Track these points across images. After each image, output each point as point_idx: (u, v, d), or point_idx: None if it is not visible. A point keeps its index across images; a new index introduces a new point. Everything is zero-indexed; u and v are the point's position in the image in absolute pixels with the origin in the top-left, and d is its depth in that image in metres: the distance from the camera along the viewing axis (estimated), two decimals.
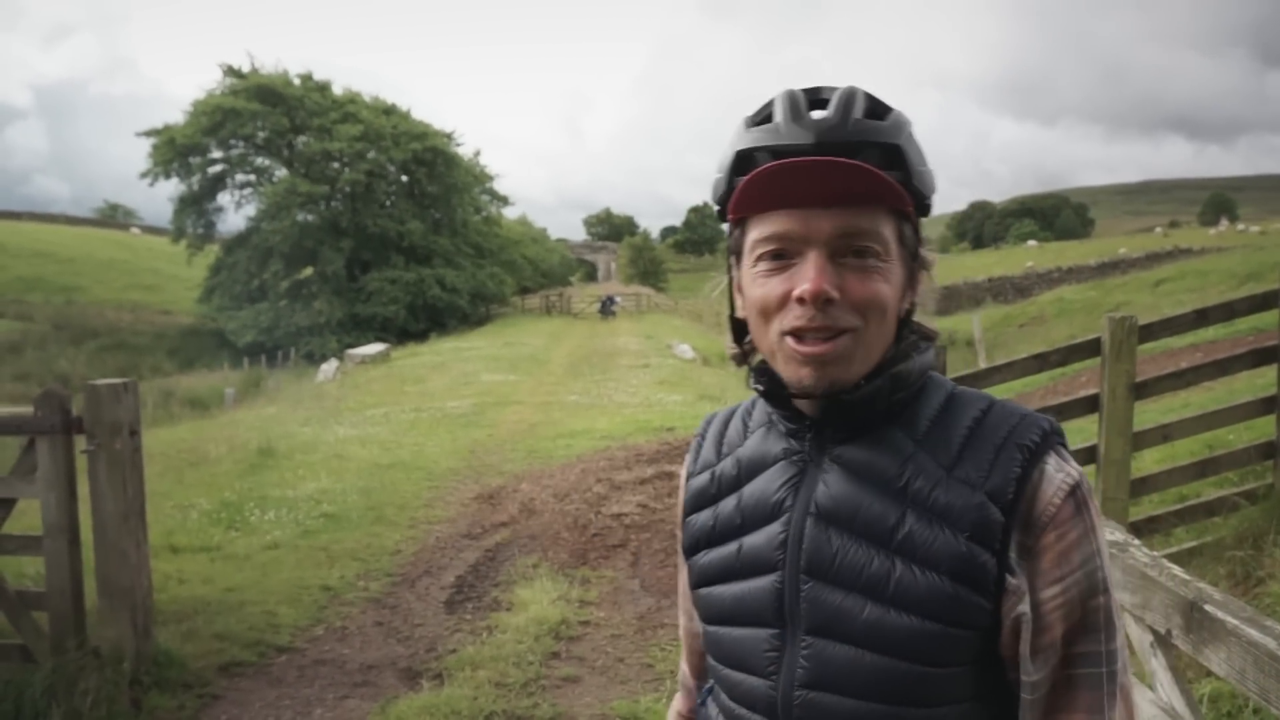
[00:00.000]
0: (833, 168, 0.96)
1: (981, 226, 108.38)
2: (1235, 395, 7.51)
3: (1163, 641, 2.07)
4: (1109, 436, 4.62)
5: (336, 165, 47.81)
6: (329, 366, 28.66)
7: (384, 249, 48.06)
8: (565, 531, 7.31)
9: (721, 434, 1.22)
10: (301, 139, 48.17)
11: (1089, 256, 39.57)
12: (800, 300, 0.98)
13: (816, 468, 1.07)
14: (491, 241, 53.87)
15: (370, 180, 47.63)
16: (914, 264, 1.06)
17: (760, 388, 1.08)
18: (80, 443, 4.43)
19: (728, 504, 1.14)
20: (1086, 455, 4.82)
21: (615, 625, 5.42)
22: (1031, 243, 61.62)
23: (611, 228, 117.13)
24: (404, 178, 50.30)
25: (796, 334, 1.00)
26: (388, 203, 49.64)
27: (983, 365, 16.43)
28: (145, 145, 45.67)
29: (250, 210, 48.40)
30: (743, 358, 1.13)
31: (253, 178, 49.73)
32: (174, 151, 45.44)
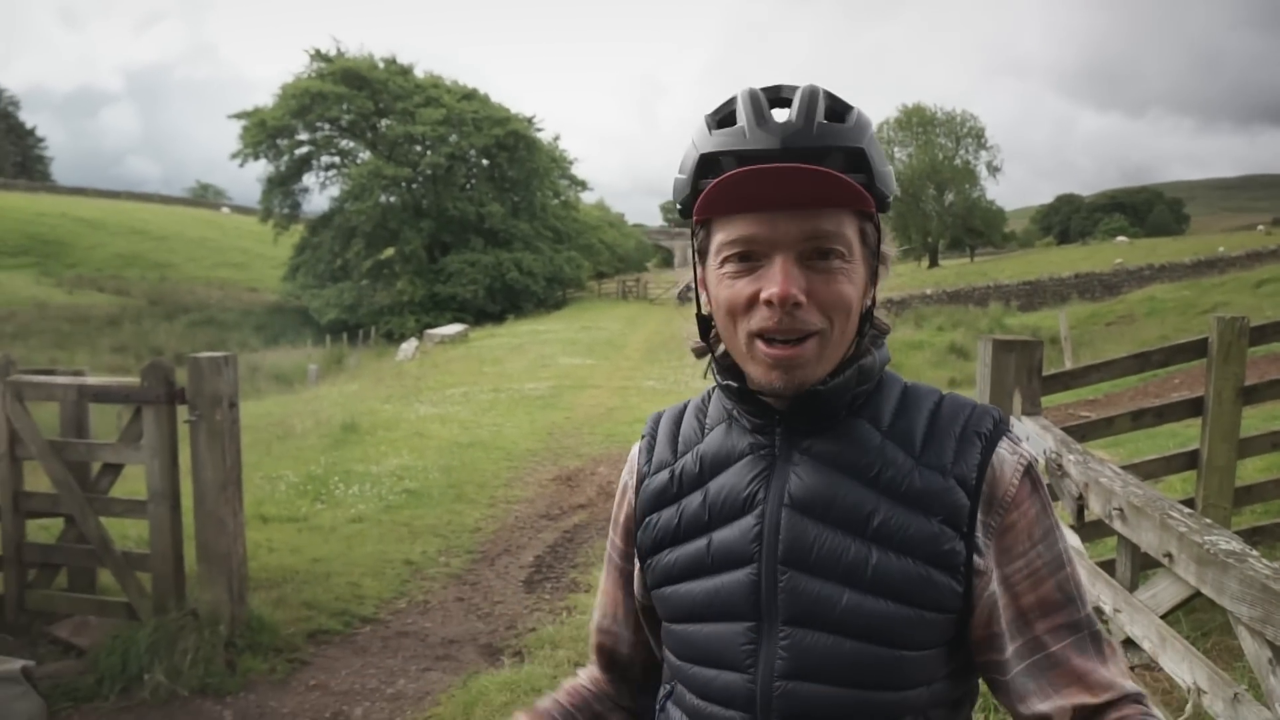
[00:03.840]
0: (799, 174, 0.97)
1: (1068, 221, 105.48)
2: None
3: None
4: (1213, 442, 4.46)
5: (419, 148, 48.50)
6: (408, 345, 29.11)
7: (463, 231, 48.65)
8: None
9: (674, 432, 1.21)
10: (385, 122, 48.95)
11: (1184, 254, 38.16)
12: (768, 303, 0.99)
13: (786, 461, 1.08)
14: (569, 226, 54.16)
15: (451, 163, 48.22)
16: (875, 262, 1.08)
17: (731, 385, 1.09)
18: (183, 413, 4.58)
19: (692, 500, 1.13)
20: (1187, 460, 4.66)
21: None
22: (1121, 239, 59.79)
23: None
24: (484, 162, 50.80)
25: (764, 336, 1.01)
26: (468, 186, 50.19)
27: (1068, 363, 16.02)
28: (230, 127, 46.94)
29: (334, 191, 49.44)
30: (704, 351, 1.14)
31: (337, 159, 50.74)
32: (264, 133, 46.59)
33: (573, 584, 5.93)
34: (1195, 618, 4.04)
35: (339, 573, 5.94)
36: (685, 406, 1.24)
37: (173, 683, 4.24)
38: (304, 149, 49.44)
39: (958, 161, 68.26)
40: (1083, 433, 4.33)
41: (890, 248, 1.11)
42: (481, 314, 44.33)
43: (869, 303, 1.08)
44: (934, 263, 66.92)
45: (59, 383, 4.92)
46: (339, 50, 49.56)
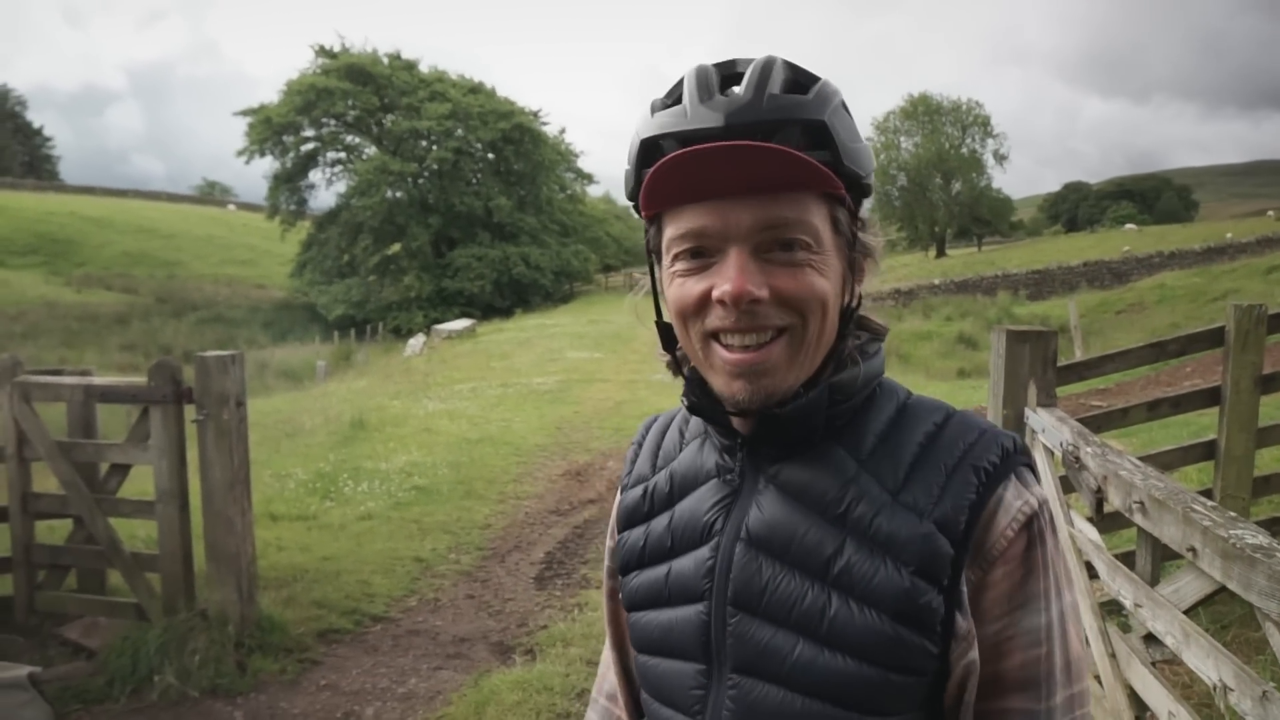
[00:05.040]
0: (745, 152, 0.83)
1: (1076, 209, 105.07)
2: None
3: None
4: (1230, 431, 4.40)
5: (425, 143, 48.52)
6: (416, 341, 29.14)
7: (470, 226, 48.68)
8: None
9: (658, 444, 1.11)
10: (390, 117, 48.98)
11: (1193, 241, 37.93)
12: (721, 302, 0.87)
13: (751, 488, 0.96)
14: (576, 219, 54.17)
15: (457, 158, 48.22)
16: (853, 253, 0.93)
17: (689, 402, 0.99)
18: (190, 412, 4.56)
19: (659, 523, 1.03)
20: (1205, 450, 4.61)
21: None
22: (1130, 226, 59.51)
23: None
24: (490, 156, 50.79)
25: (719, 335, 0.90)
26: (474, 180, 50.19)
27: (1078, 353, 15.94)
28: (234, 124, 47.06)
29: (341, 187, 49.61)
30: (677, 366, 1.02)
31: (343, 155, 50.81)
32: (269, 130, 46.69)
33: (584, 580, 5.90)
34: (1214, 610, 4.00)
35: (349, 571, 5.92)
36: (677, 414, 1.13)
37: (183, 684, 4.22)
38: (310, 145, 49.54)
39: (964, 150, 68.01)
40: (1097, 424, 4.27)
41: (874, 238, 0.96)
42: (489, 309, 44.35)
43: (850, 301, 0.94)
44: (941, 252, 66.70)
45: (66, 383, 4.89)
46: (344, 46, 49.65)
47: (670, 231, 0.92)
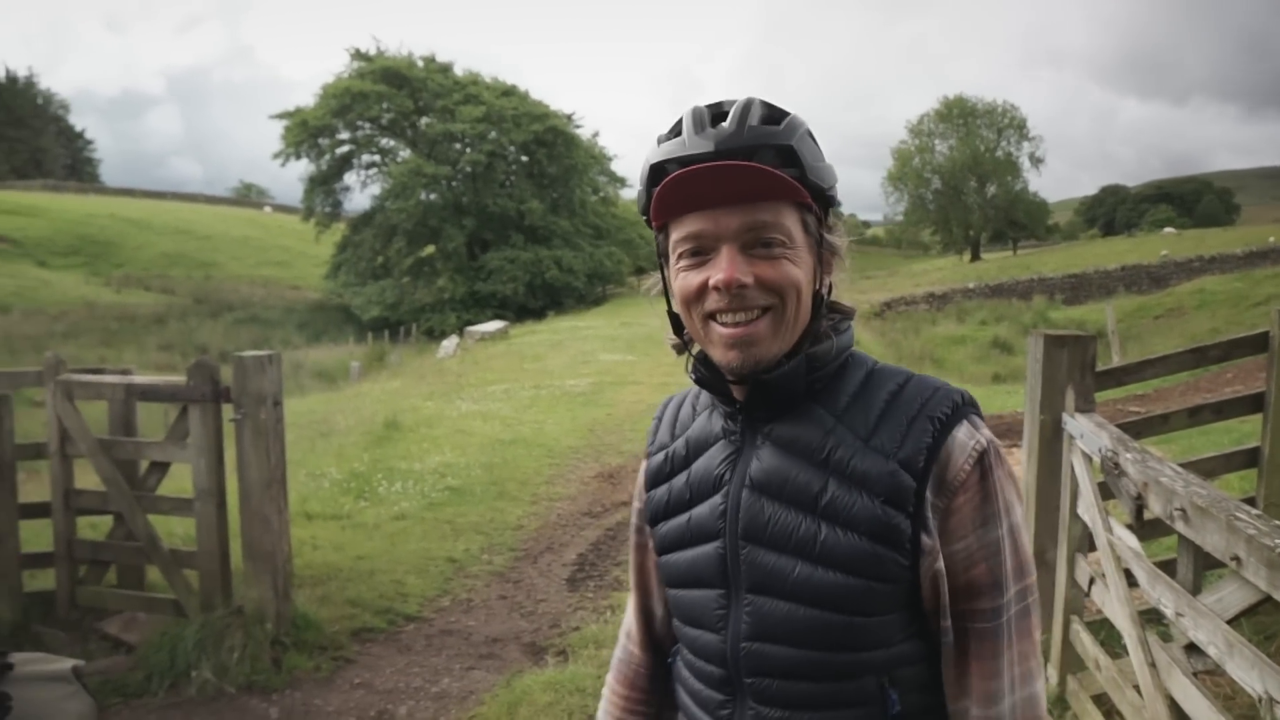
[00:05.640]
0: (730, 170, 1.07)
1: (1114, 212, 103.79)
2: None
3: None
4: (1274, 438, 4.32)
5: (459, 146, 48.76)
6: (449, 343, 29.27)
7: (504, 228, 48.86)
8: None
9: (675, 417, 1.35)
10: (425, 120, 49.30)
11: (1234, 245, 37.26)
12: (716, 288, 1.10)
13: (751, 445, 1.19)
14: (609, 221, 54.15)
15: (491, 160, 48.41)
16: (822, 250, 1.16)
17: (695, 375, 1.22)
18: (228, 411, 4.61)
19: (679, 480, 1.27)
20: (1248, 458, 4.53)
21: None
22: (1169, 230, 58.68)
23: None
24: (524, 158, 50.96)
25: (715, 316, 1.12)
26: (507, 183, 50.36)
27: (1116, 358, 15.74)
28: (269, 127, 47.81)
29: (375, 190, 49.96)
30: (682, 347, 1.24)
31: (378, 158, 51.22)
32: (305, 133, 47.13)
33: (616, 582, 5.90)
34: (1257, 620, 3.93)
35: (383, 570, 5.96)
36: (689, 393, 1.38)
37: (219, 680, 4.27)
38: (345, 148, 49.96)
39: (999, 153, 67.43)
40: (1137, 430, 4.22)
41: (840, 239, 1.19)
42: (522, 310, 44.46)
43: (821, 289, 1.17)
44: (976, 256, 66.16)
45: (107, 382, 4.97)
46: (379, 49, 50.01)
47: (674, 236, 1.16)
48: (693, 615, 1.24)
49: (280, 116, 48.21)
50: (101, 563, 5.02)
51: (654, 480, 1.32)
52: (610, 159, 56.05)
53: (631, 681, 1.48)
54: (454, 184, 48.84)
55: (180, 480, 5.70)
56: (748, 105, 1.14)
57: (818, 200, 1.14)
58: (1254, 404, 4.46)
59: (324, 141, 48.62)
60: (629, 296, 51.28)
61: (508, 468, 9.22)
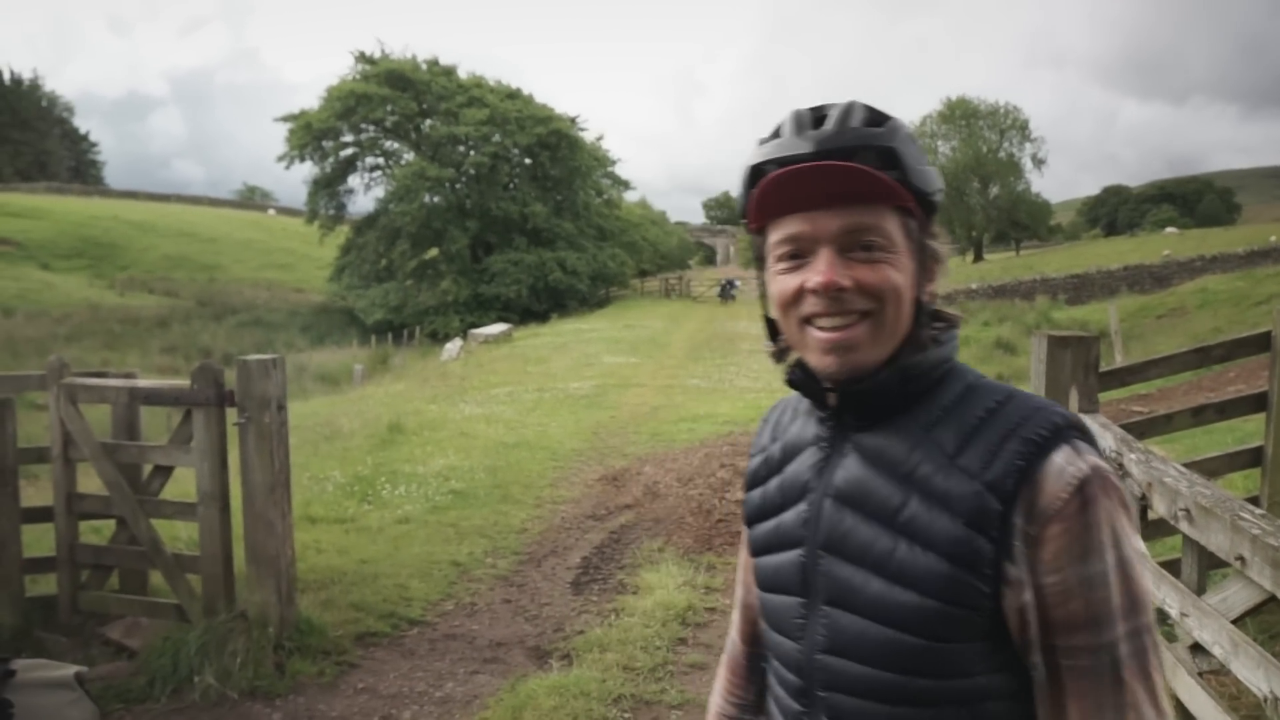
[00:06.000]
0: (830, 170, 1.05)
1: (1116, 212, 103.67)
2: None
3: None
4: (1278, 438, 4.32)
5: (463, 149, 48.79)
6: (453, 345, 29.31)
7: (507, 231, 48.89)
8: (689, 516, 7.28)
9: (778, 420, 1.33)
10: (429, 123, 49.33)
11: (1235, 244, 37.27)
12: (814, 291, 1.08)
13: (839, 453, 1.16)
14: (612, 224, 54.18)
15: (495, 163, 48.42)
16: (923, 256, 1.13)
17: (790, 378, 1.19)
18: (232, 415, 4.61)
19: (773, 484, 1.25)
20: (1252, 457, 4.52)
21: None
22: (1171, 229, 58.60)
23: (730, 211, 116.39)
24: (528, 161, 50.98)
25: (812, 320, 1.10)
26: (511, 185, 50.37)
27: (1119, 358, 15.72)
28: (273, 129, 47.81)
29: (379, 192, 49.93)
30: (780, 354, 1.22)
31: (382, 161, 51.22)
32: (309, 135, 47.17)
33: (620, 586, 5.89)
34: (1262, 620, 3.92)
35: (386, 574, 5.96)
36: (794, 397, 1.32)
37: (222, 685, 4.26)
38: (349, 150, 49.98)
39: (1002, 154, 67.41)
40: (1140, 430, 4.21)
41: (941, 245, 1.16)
42: (526, 313, 44.49)
43: (922, 296, 1.13)
44: (978, 256, 66.13)
45: (111, 385, 4.97)
46: (383, 52, 50.05)
47: (772, 238, 1.13)
48: (776, 621, 1.22)
49: (285, 119, 48.28)
50: (104, 567, 5.01)
51: (751, 482, 1.32)
52: (614, 162, 56.07)
53: (734, 668, 1.49)
54: (458, 187, 48.86)
55: (184, 484, 5.70)
56: (849, 107, 1.12)
57: (921, 204, 1.11)
58: (1257, 403, 4.45)
59: (328, 144, 48.65)
60: (632, 299, 51.34)
61: (511, 471, 9.21)
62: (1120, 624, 1.01)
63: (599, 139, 55.05)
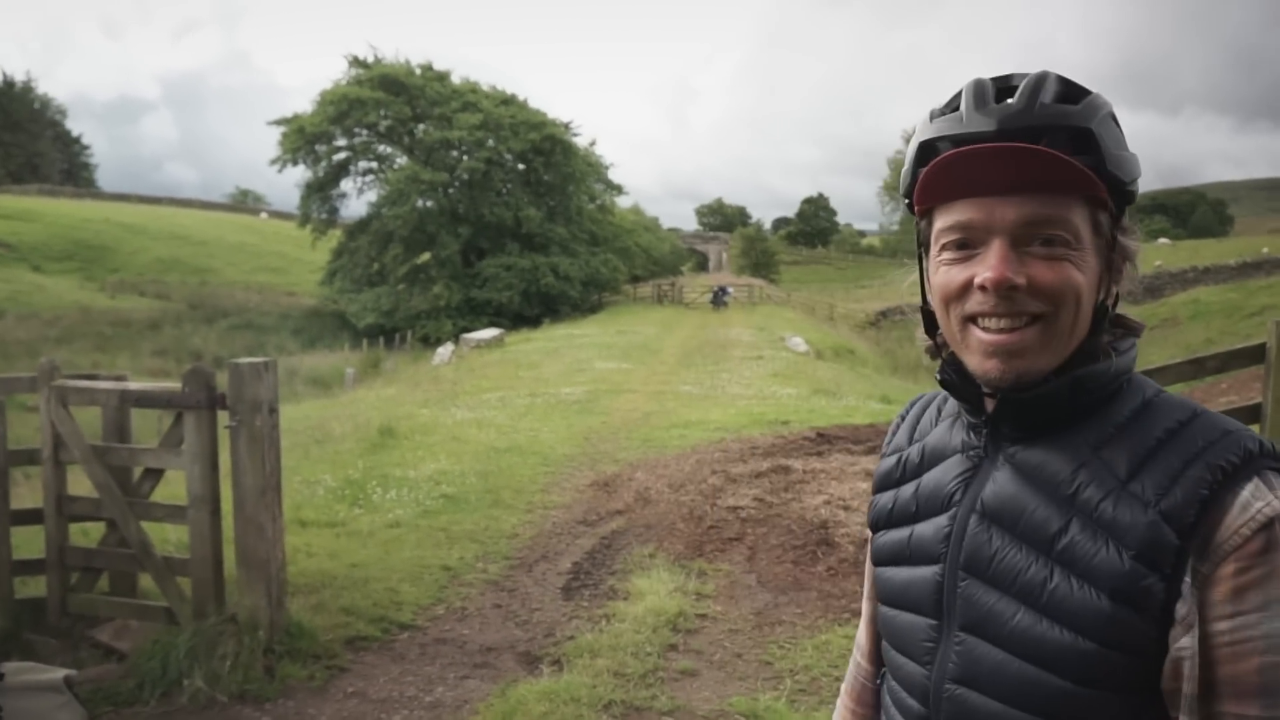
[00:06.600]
0: (1013, 153, 0.93)
1: None
2: None
3: None
4: None
5: (456, 153, 48.78)
6: (445, 350, 29.30)
7: (500, 236, 48.89)
8: (681, 522, 7.28)
9: (917, 420, 1.22)
10: (422, 127, 49.31)
11: (1228, 256, 37.53)
12: (982, 288, 0.96)
13: (991, 464, 1.04)
14: (605, 229, 54.23)
15: (488, 168, 48.43)
16: (1112, 254, 1.00)
17: (942, 377, 1.08)
18: (223, 418, 4.59)
19: (907, 490, 1.14)
20: None
21: (733, 620, 5.37)
22: (1164, 240, 58.86)
23: (723, 218, 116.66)
24: (521, 166, 51.00)
25: (977, 319, 0.99)
26: (504, 191, 50.35)
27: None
28: (266, 133, 47.90)
29: (372, 196, 49.92)
30: (936, 350, 1.11)
31: (375, 165, 51.22)
32: (303, 139, 47.15)
33: (611, 591, 5.88)
34: None
35: (377, 578, 5.94)
36: (938, 394, 1.23)
37: (212, 688, 4.24)
38: (342, 154, 49.96)
39: None
40: None
41: (1134, 242, 1.03)
42: (518, 318, 44.49)
43: (1106, 299, 1.01)
44: None
45: (102, 388, 4.95)
46: (376, 57, 50.09)
47: (940, 224, 1.02)
48: (900, 641, 1.12)
49: (278, 123, 48.28)
50: (94, 570, 4.99)
51: (882, 484, 1.20)
52: (607, 167, 56.17)
53: (859, 696, 1.35)
54: (451, 191, 48.84)
55: (174, 487, 5.68)
56: (1040, 79, 0.98)
57: (1115, 195, 0.98)
58: (1251, 415, 4.46)
59: (321, 148, 48.64)
60: (625, 305, 51.37)
61: (503, 475, 9.20)
62: None
63: (592, 144, 55.26)
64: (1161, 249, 48.15)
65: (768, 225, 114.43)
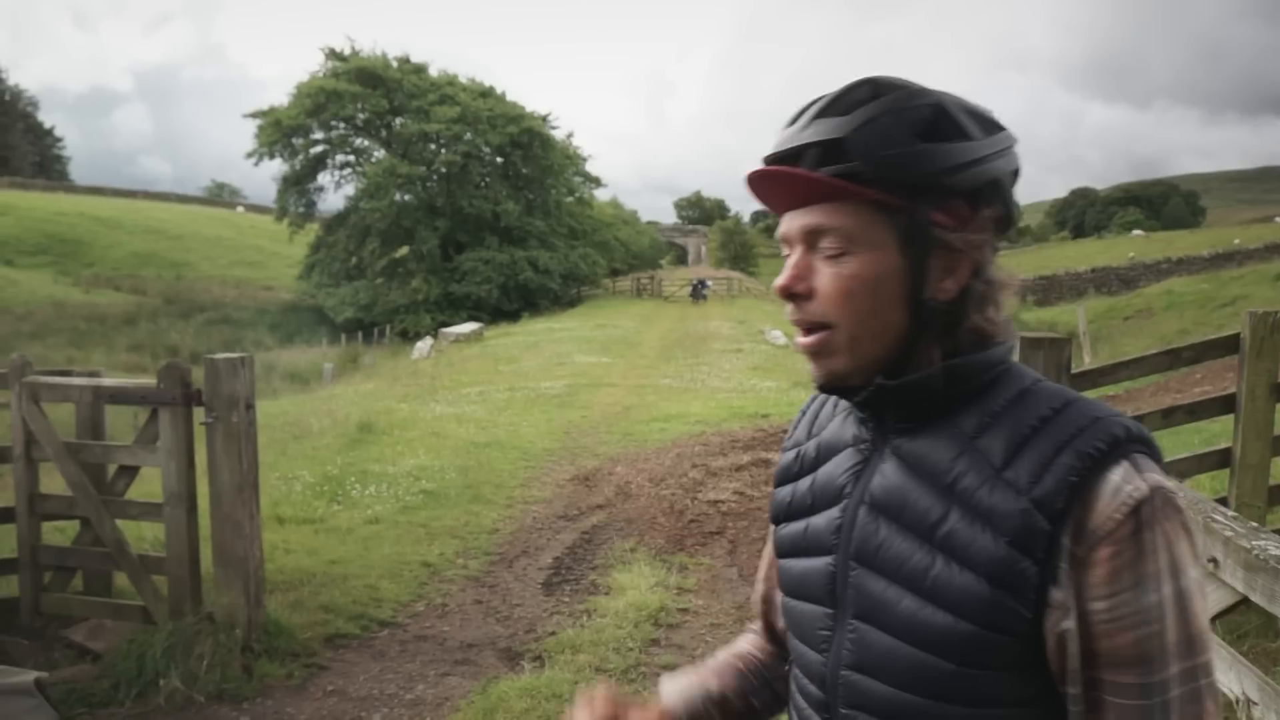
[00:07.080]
0: (774, 176, 1.02)
1: (1083, 214, 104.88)
2: None
3: None
4: (1246, 439, 4.36)
5: (434, 146, 48.61)
6: (424, 344, 29.16)
7: (479, 229, 48.75)
8: (661, 516, 7.27)
9: (816, 414, 1.25)
10: (400, 120, 49.11)
11: (1200, 247, 37.90)
12: (779, 295, 1.04)
13: (879, 457, 1.07)
14: (585, 223, 54.19)
15: (466, 161, 48.28)
16: (925, 248, 0.99)
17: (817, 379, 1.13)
18: (199, 415, 4.54)
19: (804, 483, 1.17)
20: (1220, 458, 4.57)
21: (714, 614, 5.37)
22: (1138, 232, 59.37)
23: (702, 211, 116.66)
24: (499, 160, 50.84)
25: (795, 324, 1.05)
26: (483, 184, 50.22)
27: (1087, 359, 15.87)
28: (241, 126, 47.67)
29: (349, 190, 49.73)
30: None
31: (352, 158, 51.00)
32: (279, 132, 46.84)
33: (592, 586, 5.87)
34: (1228, 620, 3.95)
35: (356, 575, 5.90)
36: None
37: (189, 688, 4.19)
38: (319, 148, 49.71)
39: None
40: None
41: (975, 233, 1.01)
42: (497, 312, 44.38)
43: (937, 294, 1.00)
44: None
45: (75, 384, 4.88)
46: (353, 49, 49.76)
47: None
48: (800, 629, 1.15)
49: (254, 116, 47.91)
50: (67, 568, 4.92)
51: (782, 478, 1.23)
52: (585, 160, 56.06)
53: (744, 650, 1.38)
54: (429, 185, 48.67)
55: (150, 484, 5.61)
56: (823, 98, 1.02)
57: (910, 193, 0.98)
58: (1226, 405, 4.50)
59: (298, 141, 48.34)
60: (604, 298, 51.30)
61: (482, 471, 9.16)
62: (1174, 663, 0.91)
63: (569, 136, 55.12)
64: (1135, 240, 48.60)
65: (747, 218, 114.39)
